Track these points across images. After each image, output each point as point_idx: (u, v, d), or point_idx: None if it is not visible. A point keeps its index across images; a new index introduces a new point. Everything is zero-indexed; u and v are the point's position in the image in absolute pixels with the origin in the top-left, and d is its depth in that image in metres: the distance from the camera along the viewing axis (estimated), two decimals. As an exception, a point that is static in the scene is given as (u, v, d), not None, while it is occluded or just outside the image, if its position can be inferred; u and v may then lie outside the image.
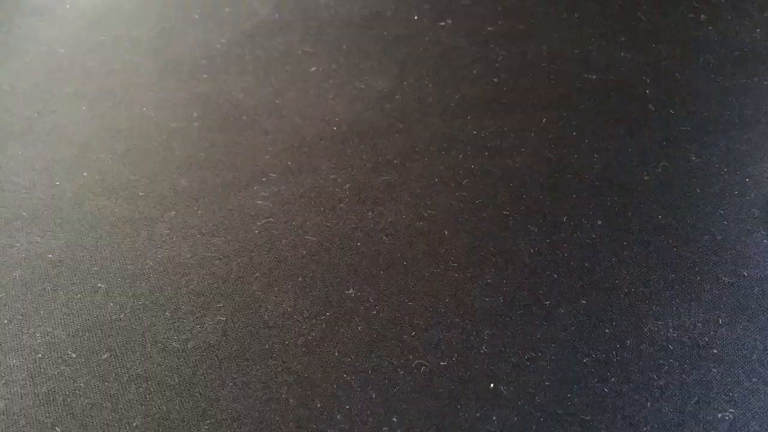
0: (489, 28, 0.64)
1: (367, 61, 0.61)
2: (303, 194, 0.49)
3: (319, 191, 0.49)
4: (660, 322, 0.41)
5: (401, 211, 0.48)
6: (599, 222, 0.47)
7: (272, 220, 0.47)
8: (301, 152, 0.52)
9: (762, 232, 0.46)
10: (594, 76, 0.59)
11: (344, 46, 0.62)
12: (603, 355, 0.39)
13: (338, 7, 0.67)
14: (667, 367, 0.39)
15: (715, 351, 0.39)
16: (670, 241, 0.45)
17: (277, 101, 0.56)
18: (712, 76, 0.58)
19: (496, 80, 0.59)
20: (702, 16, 0.66)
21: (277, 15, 0.66)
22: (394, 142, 0.53)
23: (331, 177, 0.50)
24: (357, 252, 0.45)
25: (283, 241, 0.46)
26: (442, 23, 0.65)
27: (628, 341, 0.40)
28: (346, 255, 0.45)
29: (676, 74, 0.58)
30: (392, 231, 0.46)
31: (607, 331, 0.40)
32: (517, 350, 0.40)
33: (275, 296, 0.44)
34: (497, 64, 0.60)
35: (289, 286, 0.44)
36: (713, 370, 0.39)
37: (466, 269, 0.44)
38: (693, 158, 0.51)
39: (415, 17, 0.66)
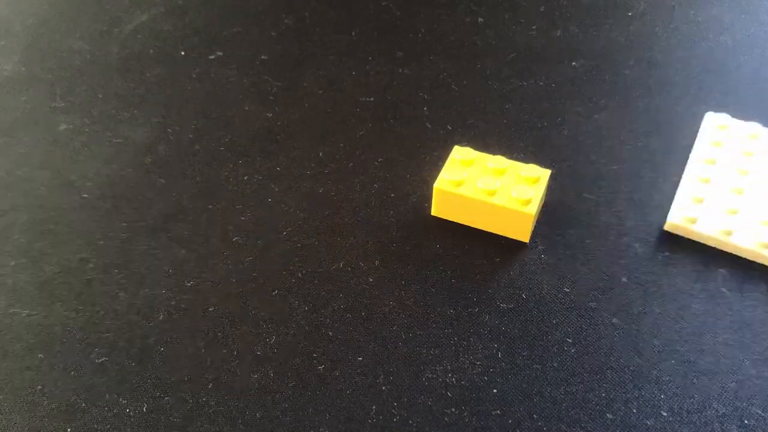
0: (263, 57, 0.60)
1: (126, 110, 0.55)
2: (44, 283, 0.43)
3: (64, 277, 0.43)
4: (438, 367, 0.38)
5: (160, 286, 0.42)
6: (377, 262, 0.44)
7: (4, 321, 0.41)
8: (45, 231, 0.45)
9: (539, 246, 0.45)
10: (372, 99, 0.56)
11: (100, 96, 0.56)
12: (381, 417, 0.36)
13: (94, 51, 0.60)
14: (446, 419, 0.36)
15: (495, 391, 0.37)
16: (449, 272, 0.43)
17: (18, 172, 0.49)
18: (490, 83, 0.57)
19: (270, 115, 0.54)
20: (479, 18, 0.65)
21: (23, 68, 0.59)
22: (156, 202, 0.47)
23: (78, 257, 0.44)
24: (106, 344, 0.39)
25: (13, 347, 0.40)
26: (212, 56, 0.60)
27: (405, 398, 0.37)
28: (92, 349, 0.39)
29: (453, 86, 0.57)
30: (147, 312, 0.41)
31: (384, 388, 0.37)
32: None
33: None
34: (271, 97, 0.56)
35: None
36: (495, 413, 0.37)
37: (234, 342, 0.39)
38: (471, 176, 0.50)
39: (182, 53, 0.61)
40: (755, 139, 0.50)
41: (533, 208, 0.43)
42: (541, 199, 0.45)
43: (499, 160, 0.45)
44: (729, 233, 0.44)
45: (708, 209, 0.45)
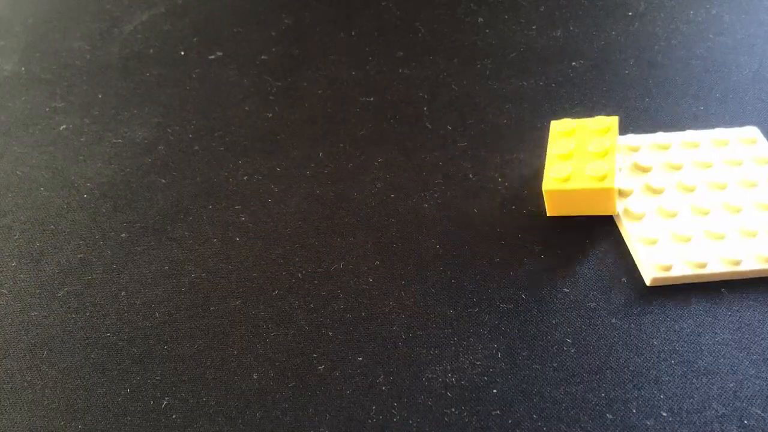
0: (263, 57, 0.60)
1: (126, 109, 0.55)
2: (44, 283, 0.43)
3: (63, 277, 0.43)
4: (438, 368, 0.38)
5: (158, 285, 0.42)
6: (377, 262, 0.44)
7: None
8: (45, 231, 0.46)
9: (539, 247, 0.45)
10: (372, 99, 0.56)
11: (100, 96, 0.56)
12: (381, 417, 0.37)
13: (94, 50, 0.61)
14: (446, 419, 0.36)
15: (495, 391, 0.37)
16: (449, 272, 0.43)
17: (18, 172, 0.50)
18: (490, 83, 0.57)
19: (269, 115, 0.55)
20: (480, 18, 0.65)
21: (23, 68, 0.59)
22: (155, 202, 0.47)
23: (79, 256, 0.44)
24: (106, 344, 0.39)
25: (14, 347, 0.40)
26: (212, 56, 0.60)
27: (405, 398, 0.37)
28: (92, 351, 0.39)
29: (453, 86, 0.57)
30: (147, 312, 0.41)
31: (384, 388, 0.37)
32: None
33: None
34: (271, 97, 0.56)
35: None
36: (495, 413, 0.37)
37: (232, 343, 0.39)
38: (471, 176, 0.50)
39: (182, 53, 0.61)
40: (663, 150, 0.49)
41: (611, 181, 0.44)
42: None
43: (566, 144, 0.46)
44: (702, 265, 0.43)
45: (668, 247, 0.44)
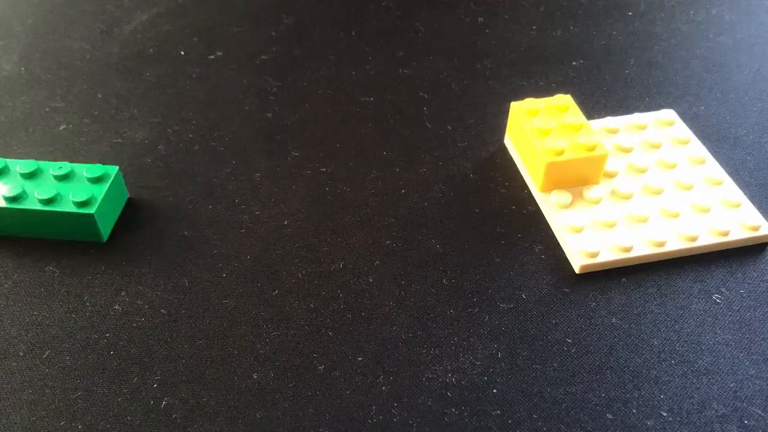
0: (263, 57, 0.60)
1: (126, 109, 0.55)
2: (44, 284, 0.42)
3: (63, 278, 0.42)
4: (438, 368, 0.38)
5: (158, 286, 0.42)
6: (377, 262, 0.44)
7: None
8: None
9: (538, 246, 0.45)
10: (371, 98, 0.56)
11: (99, 96, 0.56)
12: (381, 417, 0.36)
13: (94, 50, 0.60)
14: (446, 419, 0.36)
15: (495, 391, 0.37)
16: (449, 272, 0.43)
17: (18, 171, 0.50)
18: (490, 82, 0.57)
19: (269, 115, 0.54)
20: (480, 18, 0.65)
21: (22, 68, 0.59)
22: (156, 202, 0.47)
23: (78, 257, 0.43)
24: (106, 344, 0.39)
25: (14, 347, 0.39)
26: (212, 56, 0.60)
27: (405, 398, 0.37)
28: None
29: (453, 86, 0.57)
30: (148, 311, 0.41)
31: (384, 388, 0.37)
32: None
33: None
34: (271, 97, 0.56)
35: None
36: (495, 413, 0.37)
37: (232, 343, 0.39)
38: (471, 176, 0.49)
39: (182, 53, 0.61)
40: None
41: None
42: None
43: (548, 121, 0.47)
44: (628, 249, 0.43)
45: (594, 233, 0.44)
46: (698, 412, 0.37)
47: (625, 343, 0.39)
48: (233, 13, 0.65)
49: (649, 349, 0.39)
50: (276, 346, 0.39)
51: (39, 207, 0.43)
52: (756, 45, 0.62)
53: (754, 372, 0.38)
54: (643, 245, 0.43)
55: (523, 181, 0.49)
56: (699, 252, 0.44)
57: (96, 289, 0.42)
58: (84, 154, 0.51)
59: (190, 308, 0.41)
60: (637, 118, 0.52)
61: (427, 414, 0.36)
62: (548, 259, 0.44)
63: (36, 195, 0.43)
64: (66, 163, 0.45)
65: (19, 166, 0.45)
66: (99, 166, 0.45)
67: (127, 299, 0.42)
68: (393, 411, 0.37)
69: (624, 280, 0.43)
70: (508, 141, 0.51)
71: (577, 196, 0.46)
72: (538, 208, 0.47)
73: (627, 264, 0.43)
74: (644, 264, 0.43)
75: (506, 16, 0.65)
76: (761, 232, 0.44)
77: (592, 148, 0.45)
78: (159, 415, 0.36)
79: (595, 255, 0.43)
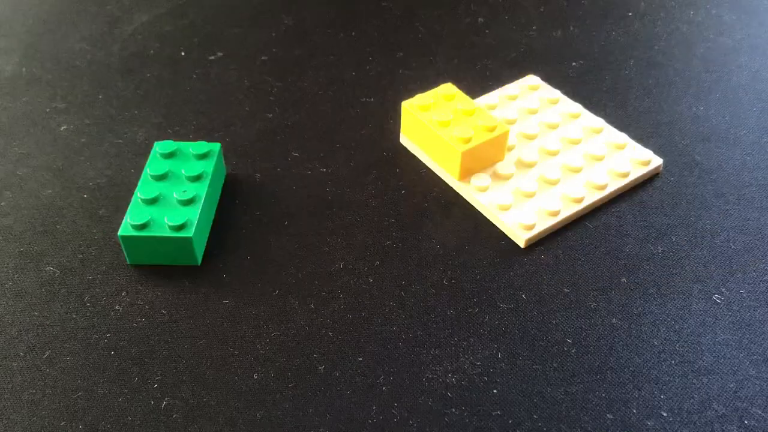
0: (263, 58, 0.60)
1: (126, 110, 0.55)
2: (44, 284, 0.42)
3: (63, 278, 0.42)
4: (438, 368, 0.38)
5: (159, 286, 0.42)
6: (377, 262, 0.44)
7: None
8: (46, 231, 0.45)
9: (539, 247, 0.45)
10: (372, 99, 0.56)
11: (100, 96, 0.56)
12: (381, 417, 0.37)
13: (95, 51, 0.60)
14: (447, 419, 0.36)
15: (495, 391, 0.37)
16: (449, 272, 0.43)
17: (18, 173, 0.50)
18: (490, 83, 0.57)
19: (270, 115, 0.54)
20: (480, 19, 0.65)
21: (23, 69, 0.59)
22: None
23: (79, 257, 0.44)
24: (107, 344, 0.39)
25: (14, 347, 0.39)
26: (212, 57, 0.60)
27: (405, 398, 0.37)
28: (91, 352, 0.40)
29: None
30: (149, 311, 0.41)
31: (384, 389, 0.37)
32: None
33: None
34: (271, 97, 0.56)
35: None
36: (495, 413, 0.37)
37: (233, 343, 0.39)
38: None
39: (183, 53, 0.61)
40: None
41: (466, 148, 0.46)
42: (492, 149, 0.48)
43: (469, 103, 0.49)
44: (556, 213, 0.45)
45: (522, 206, 0.46)
46: (698, 413, 0.37)
47: (625, 343, 0.39)
48: (233, 13, 0.66)
49: (650, 349, 0.39)
50: (276, 347, 0.39)
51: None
52: (756, 45, 0.62)
53: (754, 372, 0.38)
54: (566, 205, 0.46)
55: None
56: (611, 197, 0.47)
57: (96, 290, 0.42)
58: (85, 155, 0.51)
59: (190, 308, 0.41)
60: (508, 89, 0.55)
61: (427, 414, 0.36)
62: (548, 259, 0.44)
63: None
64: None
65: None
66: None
67: (128, 299, 0.42)
68: (393, 411, 0.37)
69: (623, 279, 0.43)
70: (406, 140, 0.52)
71: (491, 176, 0.48)
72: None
73: (559, 226, 0.46)
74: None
75: (506, 17, 0.65)
76: (653, 165, 0.49)
77: (493, 128, 0.47)
78: (159, 416, 0.36)
79: (532, 227, 0.45)
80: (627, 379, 0.38)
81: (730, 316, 0.41)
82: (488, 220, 0.46)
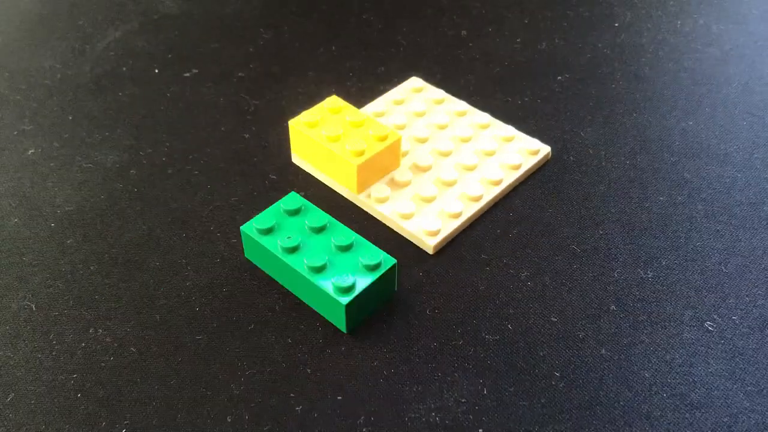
0: (240, 74, 0.58)
1: (97, 132, 0.53)
2: (9, 321, 0.40)
3: (29, 314, 0.40)
4: (421, 406, 0.37)
5: (128, 321, 0.40)
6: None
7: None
8: (12, 264, 0.43)
9: (525, 272, 0.43)
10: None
11: (70, 117, 0.54)
12: (362, 461, 0.35)
13: (65, 69, 0.58)
14: (430, 462, 0.35)
15: (481, 430, 0.36)
16: (431, 302, 0.42)
17: (-17, 200, 0.48)
18: (474, 98, 0.56)
19: (246, 135, 0.53)
20: (463, 31, 0.64)
21: (-10, 88, 0.57)
22: (127, 231, 0.45)
23: (47, 291, 0.42)
24: (72, 386, 0.37)
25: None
26: (188, 74, 0.58)
27: (387, 440, 0.36)
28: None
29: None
30: (117, 349, 0.39)
31: (365, 430, 0.36)
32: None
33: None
34: (248, 116, 0.54)
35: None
36: (480, 453, 0.35)
37: (205, 383, 0.37)
38: (454, 198, 0.48)
39: (156, 71, 0.59)
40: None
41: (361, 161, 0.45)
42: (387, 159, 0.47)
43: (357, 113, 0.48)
44: (458, 215, 0.45)
45: (426, 213, 0.46)
46: (692, 449, 0.35)
47: (615, 376, 0.38)
48: (210, 28, 0.64)
49: (640, 381, 0.38)
50: (251, 386, 0.37)
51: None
52: (745, 56, 0.61)
53: (748, 405, 0.37)
54: (466, 205, 0.46)
55: (510, 204, 0.47)
56: (506, 192, 0.48)
57: (63, 327, 0.40)
58: (53, 180, 0.49)
59: (161, 346, 0.39)
60: (393, 94, 0.55)
61: (409, 456, 0.35)
62: (534, 286, 0.42)
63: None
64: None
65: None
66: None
67: (96, 337, 0.40)
68: (374, 453, 0.35)
69: (613, 307, 0.41)
70: (297, 158, 0.50)
71: (389, 184, 0.48)
72: (528, 231, 0.45)
73: (463, 227, 0.45)
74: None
75: (490, 29, 0.64)
76: (542, 154, 0.50)
77: (385, 137, 0.47)
78: None
79: (437, 232, 0.44)
80: (617, 415, 0.36)
81: (723, 344, 0.39)
82: (390, 229, 0.45)
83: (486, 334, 0.40)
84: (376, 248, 0.40)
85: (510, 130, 0.51)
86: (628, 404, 0.37)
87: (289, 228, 0.41)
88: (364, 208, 0.47)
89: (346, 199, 0.47)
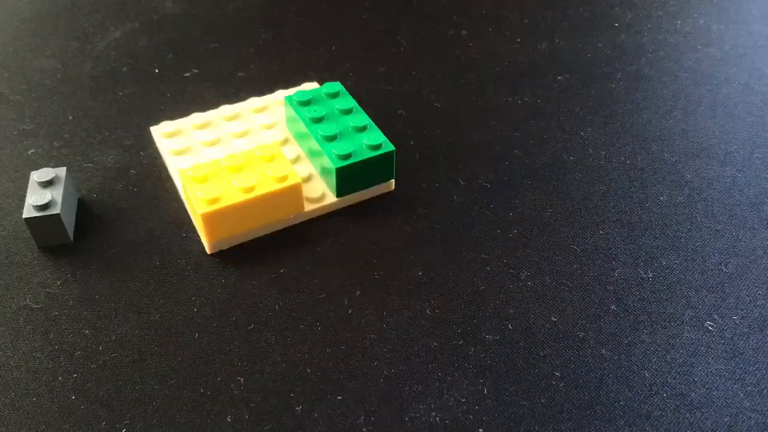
0: (239, 74, 0.59)
1: (97, 131, 0.53)
2: (9, 320, 0.40)
3: (29, 314, 0.40)
4: (421, 406, 0.37)
5: (128, 321, 0.40)
6: (357, 292, 0.42)
7: None
8: (12, 264, 0.43)
9: (525, 272, 0.43)
10: (352, 116, 0.55)
11: (70, 117, 0.54)
12: (362, 461, 0.35)
13: (66, 69, 0.58)
14: (430, 462, 0.35)
15: (481, 430, 0.36)
16: (432, 301, 0.42)
17: (-17, 199, 0.48)
18: (474, 98, 0.56)
19: (246, 135, 0.53)
20: (463, 31, 0.64)
21: (-10, 88, 0.57)
22: (126, 231, 0.45)
23: (46, 291, 0.41)
24: (73, 387, 0.37)
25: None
26: (187, 73, 0.58)
27: (387, 439, 0.36)
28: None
29: (436, 103, 0.55)
30: (119, 350, 0.39)
31: (365, 430, 0.36)
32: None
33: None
34: (248, 116, 0.55)
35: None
36: (480, 453, 0.35)
37: (205, 383, 0.37)
38: (455, 198, 0.48)
39: (156, 70, 0.59)
40: None
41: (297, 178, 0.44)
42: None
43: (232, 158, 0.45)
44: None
45: None
46: (692, 449, 0.35)
47: (615, 376, 0.38)
48: (210, 27, 0.64)
49: (641, 381, 0.38)
50: (251, 386, 0.37)
51: None
52: (744, 56, 0.61)
53: (748, 404, 0.37)
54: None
55: (506, 202, 0.47)
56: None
57: (62, 326, 0.40)
58: (53, 179, 0.49)
59: (161, 345, 0.39)
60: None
61: (409, 456, 0.35)
62: (534, 286, 0.42)
63: None
64: None
65: None
66: None
67: (96, 337, 0.40)
68: (374, 453, 0.35)
69: (613, 307, 0.41)
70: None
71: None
72: (526, 231, 0.45)
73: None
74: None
75: (490, 29, 0.64)
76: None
77: (283, 178, 0.44)
78: None
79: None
80: (618, 414, 0.36)
81: (723, 344, 0.39)
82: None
83: (486, 334, 0.40)
84: (381, 134, 0.47)
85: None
86: (629, 404, 0.36)
87: (322, 105, 0.49)
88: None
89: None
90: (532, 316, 0.41)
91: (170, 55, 0.60)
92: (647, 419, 0.36)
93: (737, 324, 0.40)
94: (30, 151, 0.51)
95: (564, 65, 0.59)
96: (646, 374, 0.38)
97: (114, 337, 0.39)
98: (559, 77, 0.58)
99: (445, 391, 0.37)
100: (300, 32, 0.63)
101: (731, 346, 0.39)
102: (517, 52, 0.61)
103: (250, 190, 0.43)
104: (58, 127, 0.53)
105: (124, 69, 0.59)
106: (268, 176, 0.44)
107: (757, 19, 0.65)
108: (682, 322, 0.40)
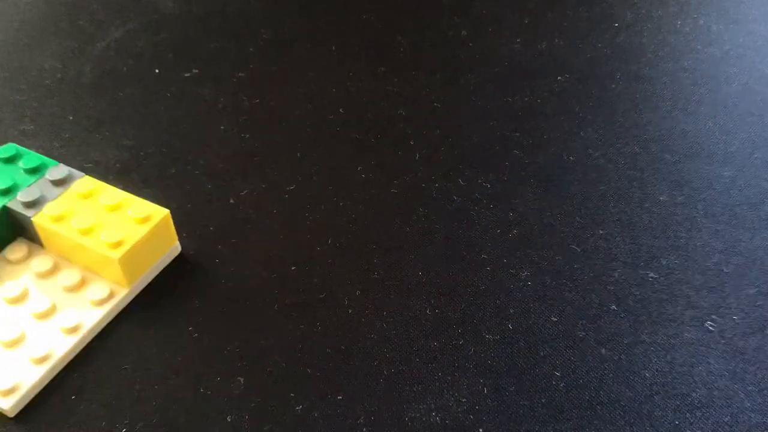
0: (240, 74, 0.58)
1: (98, 131, 0.53)
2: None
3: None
4: (422, 406, 0.37)
5: (128, 320, 0.40)
6: (357, 292, 0.42)
7: None
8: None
9: (525, 272, 0.43)
10: (352, 117, 0.54)
11: (71, 117, 0.54)
12: (362, 461, 0.35)
13: (65, 68, 0.58)
14: (430, 462, 0.35)
15: (481, 430, 0.36)
16: (432, 301, 0.42)
17: (-17, 200, 0.48)
18: (473, 99, 0.56)
19: (246, 135, 0.52)
20: (463, 31, 0.64)
21: (-10, 88, 0.57)
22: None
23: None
24: (74, 388, 0.37)
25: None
26: (188, 74, 0.58)
27: (387, 439, 0.36)
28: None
29: (436, 103, 0.55)
30: (117, 350, 0.38)
31: (365, 430, 0.36)
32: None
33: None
34: (248, 116, 0.54)
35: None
36: (480, 453, 0.35)
37: (204, 384, 0.37)
38: (455, 198, 0.48)
39: (157, 71, 0.59)
40: None
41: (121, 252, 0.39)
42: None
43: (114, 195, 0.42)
44: (45, 358, 0.37)
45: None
46: (692, 449, 0.35)
47: (615, 376, 0.38)
48: (211, 27, 0.64)
49: (641, 381, 0.38)
50: (251, 386, 0.37)
51: None
52: (745, 56, 0.60)
53: (749, 405, 0.37)
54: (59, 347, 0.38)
55: (509, 202, 0.47)
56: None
57: (63, 326, 0.40)
58: (53, 179, 0.49)
59: (161, 346, 0.39)
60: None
61: (410, 456, 0.35)
62: (535, 285, 0.42)
63: None
64: None
65: None
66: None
67: (95, 336, 0.40)
68: (374, 453, 0.35)
69: (614, 307, 0.41)
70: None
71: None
72: (525, 230, 0.45)
73: (52, 374, 0.37)
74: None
75: (490, 29, 0.64)
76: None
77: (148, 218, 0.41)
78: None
79: (14, 389, 0.36)
80: (618, 414, 0.36)
81: (724, 344, 0.39)
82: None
83: (486, 334, 0.40)
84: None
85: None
86: (629, 404, 0.36)
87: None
88: None
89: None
90: (532, 316, 0.41)
91: (170, 55, 0.60)
92: (648, 419, 0.36)
93: (737, 324, 0.40)
94: (30, 152, 0.51)
95: (564, 65, 0.59)
96: (647, 374, 0.38)
97: (114, 338, 0.39)
98: (559, 77, 0.58)
99: (445, 391, 0.37)
100: (300, 32, 0.63)
101: (731, 346, 0.39)
102: (516, 52, 0.61)
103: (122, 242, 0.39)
104: (58, 127, 0.53)
105: (124, 69, 0.59)
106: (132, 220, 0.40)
107: (757, 19, 0.65)
108: (683, 322, 0.40)
